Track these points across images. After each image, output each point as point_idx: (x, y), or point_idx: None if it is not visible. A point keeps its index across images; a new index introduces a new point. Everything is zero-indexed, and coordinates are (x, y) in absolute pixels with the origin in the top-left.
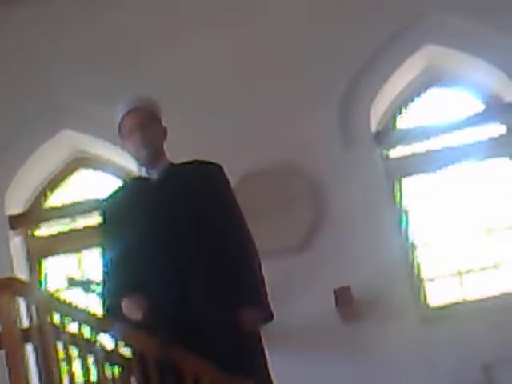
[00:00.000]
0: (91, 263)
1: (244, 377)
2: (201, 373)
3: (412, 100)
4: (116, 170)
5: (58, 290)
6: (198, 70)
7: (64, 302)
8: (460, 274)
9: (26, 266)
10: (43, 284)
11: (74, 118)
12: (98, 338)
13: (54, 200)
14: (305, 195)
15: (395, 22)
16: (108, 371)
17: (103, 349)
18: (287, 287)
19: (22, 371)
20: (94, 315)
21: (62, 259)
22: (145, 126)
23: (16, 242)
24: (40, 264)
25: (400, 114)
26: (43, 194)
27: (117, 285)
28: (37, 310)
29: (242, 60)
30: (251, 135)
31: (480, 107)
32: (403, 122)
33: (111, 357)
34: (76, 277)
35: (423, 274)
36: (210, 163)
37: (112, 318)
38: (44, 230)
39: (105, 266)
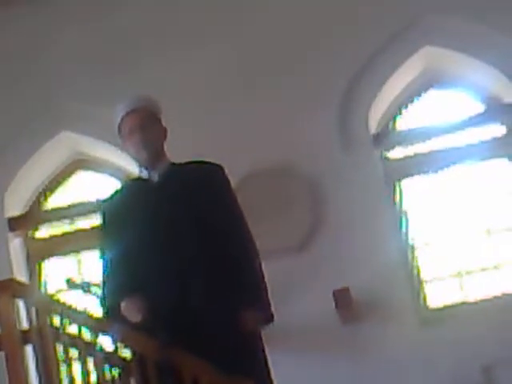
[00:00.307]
0: (91, 265)
1: (244, 377)
2: (200, 374)
3: (411, 101)
4: (115, 172)
5: (57, 292)
6: (198, 70)
7: (63, 303)
8: (460, 275)
9: (25, 268)
10: (43, 286)
11: (73, 120)
12: (98, 339)
13: (54, 202)
14: (304, 196)
15: (395, 23)
16: (107, 373)
17: (103, 350)
18: (286, 288)
19: (22, 373)
20: (93, 317)
21: (62, 261)
22: (145, 127)
23: (15, 244)
24: (39, 266)
25: (399, 115)
26: (42, 195)
27: (117, 285)
28: (36, 311)
29: (241, 60)
30: (251, 135)
31: (480, 108)
32: (403, 123)
33: (111, 358)
34: (75, 279)
35: (423, 276)
36: (211, 163)
37: (112, 319)
38: (43, 232)
39: (105, 266)
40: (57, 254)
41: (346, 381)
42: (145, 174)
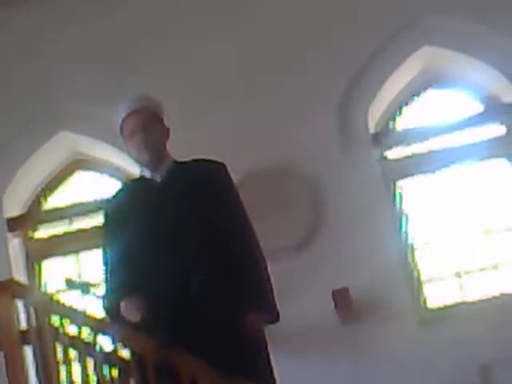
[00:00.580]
0: (90, 265)
1: (246, 375)
2: (198, 374)
3: (411, 101)
4: (115, 172)
5: (56, 292)
6: (198, 69)
7: (63, 304)
8: (459, 275)
9: (24, 268)
10: (42, 286)
11: (72, 120)
12: (97, 339)
13: (53, 202)
14: (304, 196)
15: (395, 23)
16: (107, 373)
17: (102, 351)
18: (286, 288)
19: (21, 373)
20: (92, 317)
21: (61, 261)
22: (146, 128)
23: (14, 244)
24: (39, 266)
25: (399, 114)
26: (42, 195)
27: (119, 284)
28: (35, 312)
29: (242, 60)
30: (251, 135)
31: (479, 108)
32: (402, 123)
33: (110, 358)
34: (75, 279)
35: (422, 276)
36: (214, 161)
37: (111, 319)
38: (42, 232)
39: (106, 265)
40: (56, 254)
41: (345, 381)
42: (147, 174)
